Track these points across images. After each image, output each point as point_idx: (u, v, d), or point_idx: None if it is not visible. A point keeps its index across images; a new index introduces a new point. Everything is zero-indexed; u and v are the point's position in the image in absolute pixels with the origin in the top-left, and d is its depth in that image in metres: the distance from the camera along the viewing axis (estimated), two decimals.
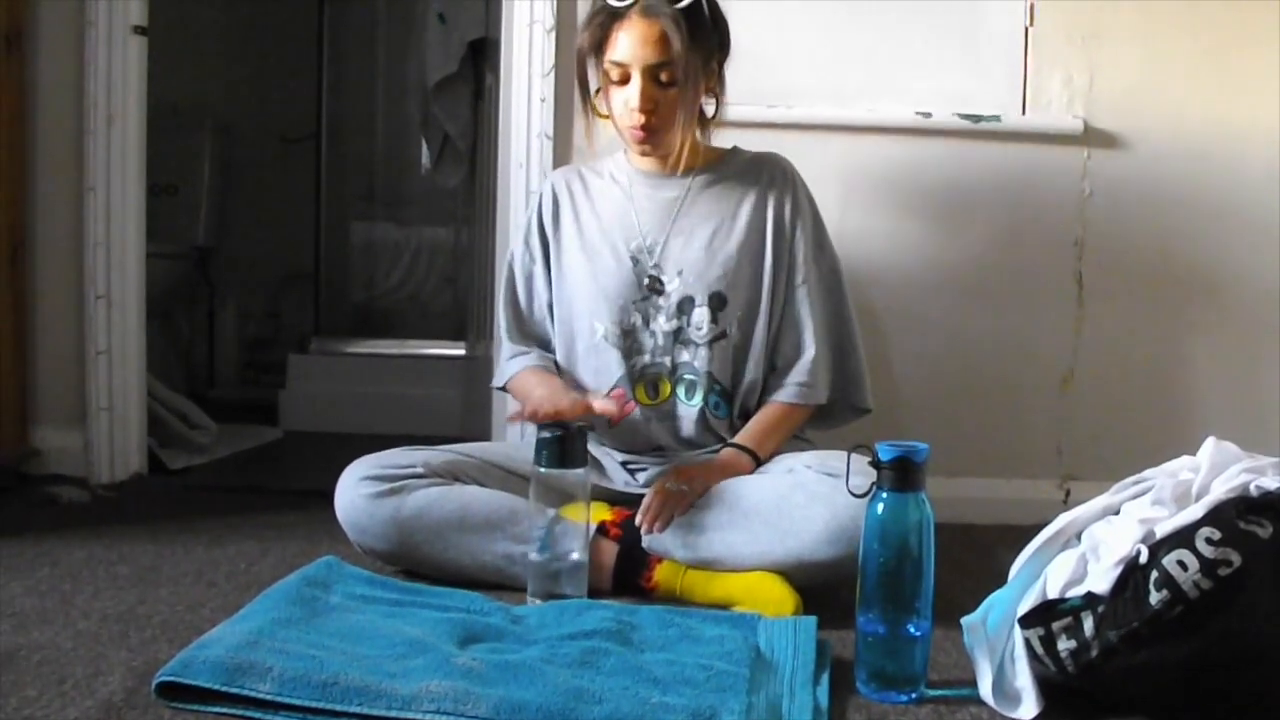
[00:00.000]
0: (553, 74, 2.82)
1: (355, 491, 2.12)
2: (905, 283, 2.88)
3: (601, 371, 2.31)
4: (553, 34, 2.82)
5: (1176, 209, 2.88)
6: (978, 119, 2.83)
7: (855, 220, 2.81)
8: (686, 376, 2.29)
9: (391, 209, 5.09)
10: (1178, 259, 2.89)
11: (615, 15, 2.18)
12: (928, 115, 2.84)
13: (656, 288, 2.30)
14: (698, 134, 2.33)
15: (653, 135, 2.22)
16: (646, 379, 2.31)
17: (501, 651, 1.66)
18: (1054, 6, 2.84)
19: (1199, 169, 2.87)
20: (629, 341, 2.30)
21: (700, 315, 2.28)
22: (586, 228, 2.37)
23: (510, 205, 2.88)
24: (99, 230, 2.97)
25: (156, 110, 3.15)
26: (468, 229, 4.63)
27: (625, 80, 2.20)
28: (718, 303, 2.28)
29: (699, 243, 2.31)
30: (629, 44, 2.17)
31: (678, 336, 2.29)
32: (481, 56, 4.22)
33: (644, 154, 2.31)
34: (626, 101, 2.20)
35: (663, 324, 2.29)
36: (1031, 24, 2.84)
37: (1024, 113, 2.86)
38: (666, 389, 2.30)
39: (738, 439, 2.26)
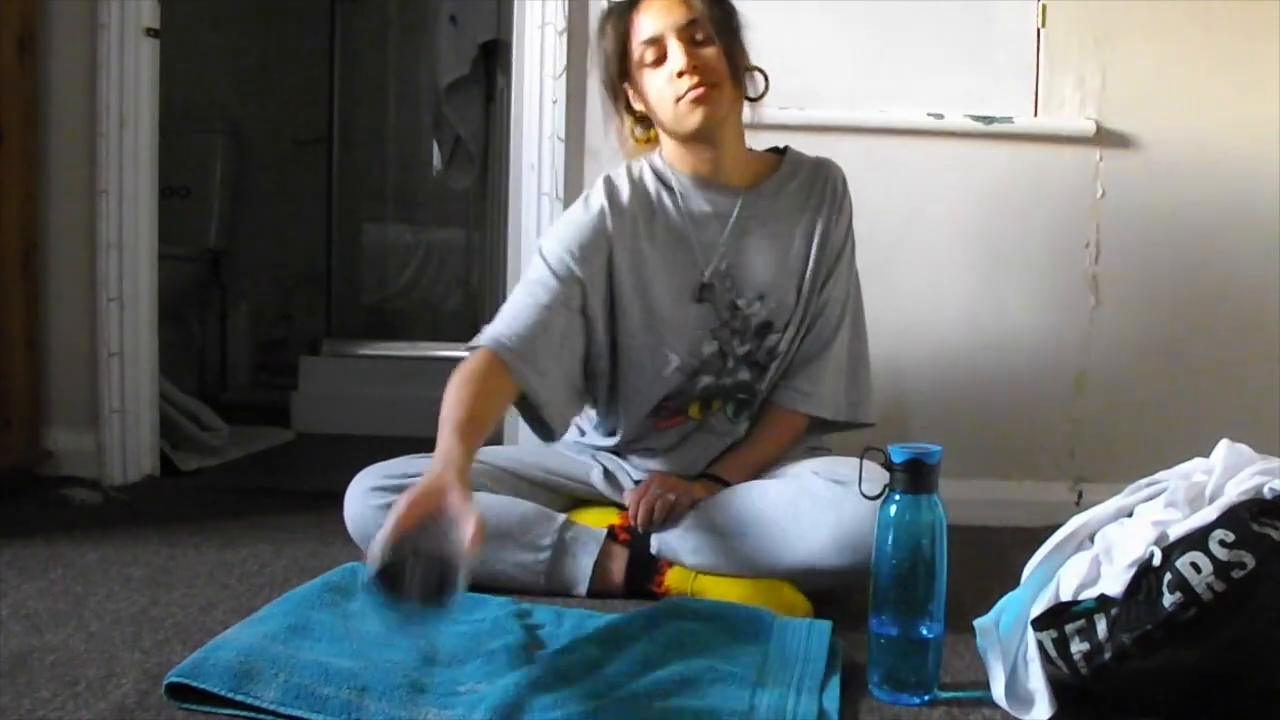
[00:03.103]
0: (564, 76, 2.82)
1: (364, 502, 2.10)
2: (917, 285, 2.88)
3: (663, 395, 2.25)
4: (564, 36, 2.82)
5: (1190, 210, 2.88)
6: (990, 121, 2.83)
7: (866, 222, 2.79)
8: (739, 395, 2.27)
9: (403, 211, 5.10)
10: (1191, 260, 2.89)
11: (631, 4, 2.18)
12: (940, 117, 2.83)
13: (735, 312, 2.22)
14: (745, 140, 2.28)
15: (709, 92, 2.11)
16: (704, 397, 2.26)
17: (509, 664, 1.65)
18: (1066, 8, 2.84)
19: (1212, 170, 2.86)
20: (703, 366, 2.24)
21: (775, 339, 2.24)
22: (655, 254, 2.22)
23: (522, 207, 2.88)
24: (111, 232, 2.98)
25: (168, 113, 3.16)
26: (479, 231, 4.64)
27: (662, 58, 2.14)
28: (789, 326, 2.24)
29: (776, 266, 2.23)
30: (654, 15, 2.14)
31: (748, 357, 2.25)
32: (493, 58, 4.24)
33: (704, 120, 2.13)
34: (670, 73, 2.13)
35: (737, 348, 2.24)
36: (1043, 25, 2.84)
37: (1036, 114, 2.85)
38: (717, 405, 2.27)
39: (720, 469, 2.22)
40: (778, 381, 2.28)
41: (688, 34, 2.13)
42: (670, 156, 2.27)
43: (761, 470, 2.22)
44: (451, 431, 1.86)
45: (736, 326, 2.23)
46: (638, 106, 2.25)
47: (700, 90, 2.11)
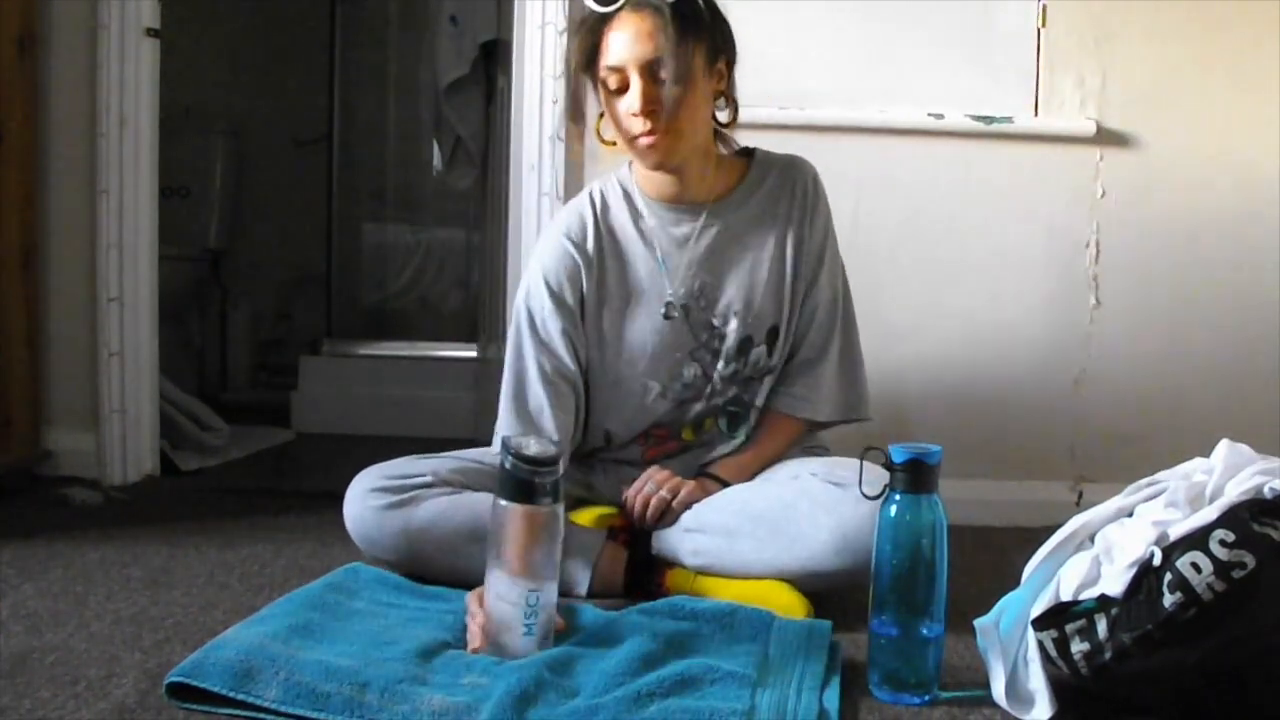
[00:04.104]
0: (564, 76, 2.82)
1: (363, 504, 2.09)
2: (917, 285, 2.88)
3: (651, 420, 2.25)
4: (564, 36, 2.81)
5: (1189, 210, 2.88)
6: (990, 120, 2.83)
7: (867, 222, 2.80)
8: (730, 409, 2.26)
9: (403, 211, 5.10)
10: (1190, 260, 2.89)
11: (604, 20, 2.09)
12: (940, 117, 2.83)
13: (713, 331, 2.21)
14: (720, 148, 2.24)
15: (661, 140, 2.08)
16: (695, 421, 2.26)
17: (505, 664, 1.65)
18: (1066, 8, 2.84)
19: (1212, 170, 2.87)
20: (687, 391, 2.23)
21: (758, 354, 2.22)
22: (621, 285, 2.23)
23: (522, 207, 2.88)
24: (111, 233, 2.98)
25: (168, 113, 3.16)
26: (479, 231, 4.63)
27: (624, 87, 2.08)
28: (773, 337, 2.22)
29: (749, 280, 2.21)
30: (621, 43, 2.06)
31: (734, 377, 2.23)
32: (493, 58, 4.23)
33: (656, 166, 2.15)
34: (628, 107, 2.08)
35: (721, 369, 2.22)
36: (1044, 25, 2.84)
37: (1036, 114, 2.85)
38: (710, 424, 2.27)
39: (718, 469, 2.21)
40: (776, 387, 2.27)
41: (651, 71, 2.06)
42: (637, 174, 2.26)
43: (759, 471, 2.22)
44: None
45: (715, 347, 2.22)
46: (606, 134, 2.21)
47: (653, 138, 2.08)
